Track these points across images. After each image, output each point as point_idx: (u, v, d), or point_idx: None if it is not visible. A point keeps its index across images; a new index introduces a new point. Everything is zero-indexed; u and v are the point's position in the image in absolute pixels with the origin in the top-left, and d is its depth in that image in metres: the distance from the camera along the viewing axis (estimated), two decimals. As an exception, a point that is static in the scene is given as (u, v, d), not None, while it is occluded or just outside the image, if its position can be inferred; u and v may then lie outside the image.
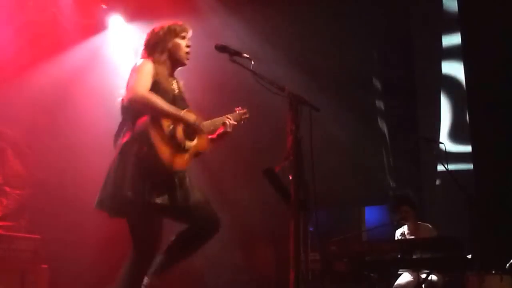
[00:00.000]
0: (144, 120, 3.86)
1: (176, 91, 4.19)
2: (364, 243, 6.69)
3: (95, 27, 8.01)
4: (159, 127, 3.89)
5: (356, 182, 8.54)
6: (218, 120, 4.39)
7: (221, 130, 4.37)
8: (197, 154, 4.17)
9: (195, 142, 4.12)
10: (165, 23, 4.26)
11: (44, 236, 6.67)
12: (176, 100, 4.12)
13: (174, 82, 4.24)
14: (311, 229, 4.28)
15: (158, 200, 3.86)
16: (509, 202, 7.19)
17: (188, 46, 4.23)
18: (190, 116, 4.04)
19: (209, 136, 4.32)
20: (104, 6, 7.99)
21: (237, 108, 4.58)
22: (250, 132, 4.66)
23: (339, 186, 8.22)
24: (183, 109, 4.07)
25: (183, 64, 4.26)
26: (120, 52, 8.18)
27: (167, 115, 3.93)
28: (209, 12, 7.43)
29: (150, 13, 7.65)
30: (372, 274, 5.90)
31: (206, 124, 4.26)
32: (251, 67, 3.85)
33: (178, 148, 3.96)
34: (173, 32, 4.20)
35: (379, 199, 8.80)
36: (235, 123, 4.44)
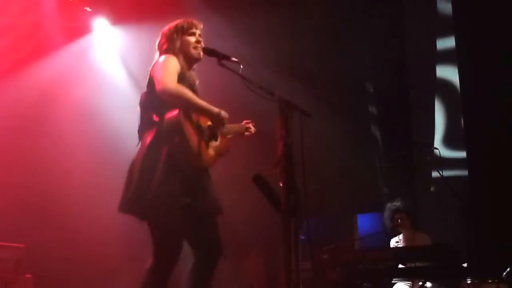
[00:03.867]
0: (175, 113, 3.89)
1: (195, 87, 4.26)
2: (357, 252, 6.59)
3: (79, 30, 7.97)
4: (190, 120, 3.95)
5: (349, 189, 8.51)
6: (236, 126, 4.49)
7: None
8: (220, 154, 4.23)
9: (218, 142, 4.21)
10: (174, 22, 4.31)
11: (27, 245, 6.55)
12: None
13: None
14: (302, 237, 4.20)
15: (187, 200, 3.87)
16: (505, 209, 7.12)
17: (198, 42, 4.23)
18: (217, 109, 4.07)
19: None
20: (88, 9, 7.93)
21: (246, 121, 4.64)
22: (239, 138, 4.59)
23: (331, 193, 8.19)
24: None
25: (195, 59, 4.27)
26: (105, 56, 8.15)
27: (199, 108, 3.98)
28: (196, 15, 7.31)
29: (135, 16, 7.62)
30: (365, 284, 5.81)
31: (227, 127, 4.32)
32: (240, 71, 3.79)
33: (205, 143, 4.04)
34: (180, 30, 4.25)
35: (372, 206, 8.75)
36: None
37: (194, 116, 3.99)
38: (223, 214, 4.22)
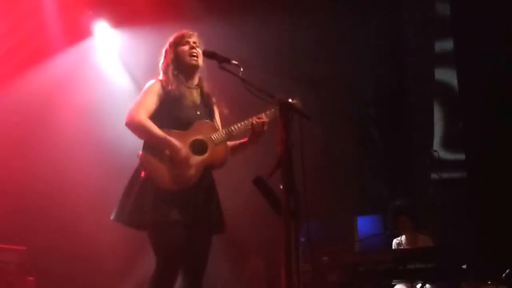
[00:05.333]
0: (143, 145, 4.11)
1: (198, 100, 4.30)
2: (357, 254, 6.62)
3: (80, 33, 7.96)
4: (155, 152, 4.06)
5: (348, 191, 8.50)
6: (242, 124, 4.35)
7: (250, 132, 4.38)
8: (212, 166, 4.24)
9: (206, 155, 4.17)
10: (170, 38, 4.40)
11: (29, 247, 6.55)
12: (197, 109, 4.25)
13: (195, 91, 4.33)
14: (302, 239, 4.21)
15: (169, 217, 3.96)
16: (504, 211, 7.13)
17: (192, 48, 4.28)
18: (177, 144, 4.06)
19: (241, 140, 4.43)
20: (89, 12, 7.92)
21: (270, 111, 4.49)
22: (234, 153, 4.59)
23: (331, 195, 8.17)
24: (204, 118, 4.23)
25: (193, 66, 4.31)
26: (106, 58, 8.16)
27: (156, 140, 4.07)
28: (196, 18, 7.36)
29: (136, 19, 7.61)
30: (365, 285, 5.81)
31: (225, 131, 4.27)
32: (240, 74, 3.81)
33: (179, 169, 4.04)
34: (173, 44, 4.33)
35: (372, 208, 8.75)
36: (266, 120, 4.33)
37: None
38: (223, 232, 4.31)
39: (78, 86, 7.80)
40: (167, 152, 4.07)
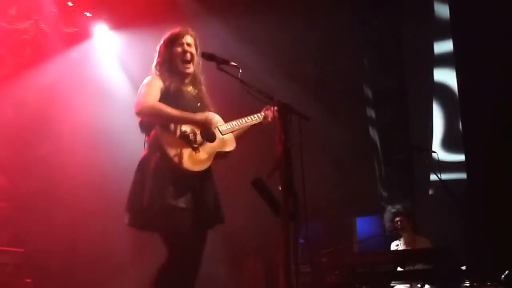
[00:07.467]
0: (154, 130, 4.06)
1: (194, 93, 4.34)
2: (356, 255, 6.61)
3: (79, 35, 7.97)
4: (169, 132, 4.04)
5: (347, 192, 8.50)
6: (245, 119, 4.48)
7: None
8: (220, 155, 4.26)
9: (215, 143, 4.23)
10: (164, 36, 4.41)
11: (27, 250, 6.54)
12: (197, 101, 4.30)
13: (190, 87, 4.36)
14: (301, 240, 4.21)
15: (180, 203, 3.96)
16: (503, 212, 7.12)
17: (185, 52, 4.30)
18: (199, 115, 4.15)
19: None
20: (88, 14, 7.93)
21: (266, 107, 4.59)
22: (238, 141, 4.60)
23: (330, 196, 8.18)
24: (205, 109, 4.26)
25: (184, 75, 4.33)
26: (104, 60, 8.16)
27: (174, 119, 4.07)
28: (195, 19, 7.37)
29: (134, 22, 7.62)
30: (364, 287, 5.80)
31: (231, 124, 4.37)
32: (239, 75, 3.82)
33: (193, 149, 4.07)
34: (168, 43, 4.35)
35: (371, 210, 8.75)
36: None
37: (177, 126, 4.08)
38: (223, 223, 4.30)
39: (77, 87, 7.81)
40: (184, 129, 4.08)
